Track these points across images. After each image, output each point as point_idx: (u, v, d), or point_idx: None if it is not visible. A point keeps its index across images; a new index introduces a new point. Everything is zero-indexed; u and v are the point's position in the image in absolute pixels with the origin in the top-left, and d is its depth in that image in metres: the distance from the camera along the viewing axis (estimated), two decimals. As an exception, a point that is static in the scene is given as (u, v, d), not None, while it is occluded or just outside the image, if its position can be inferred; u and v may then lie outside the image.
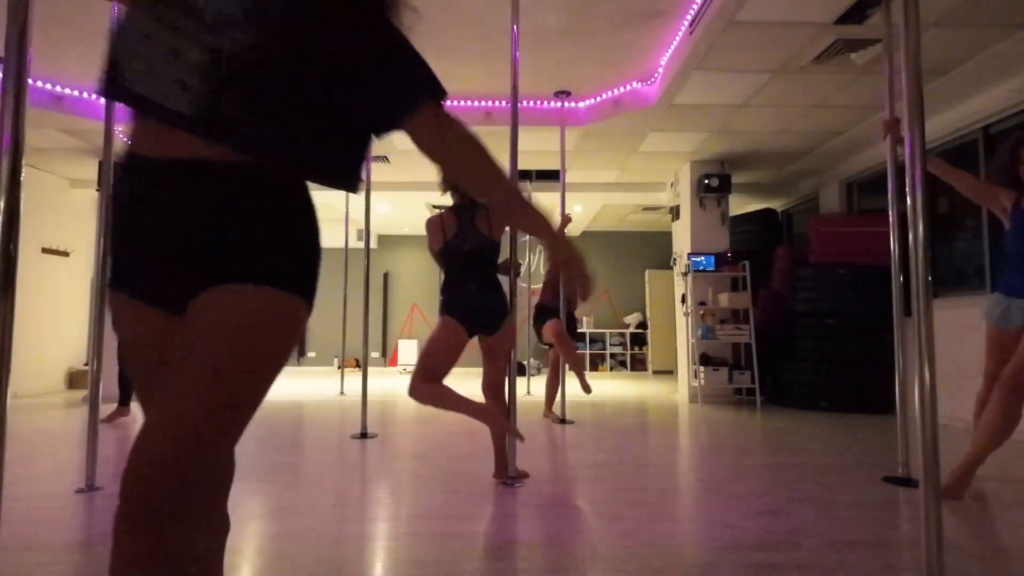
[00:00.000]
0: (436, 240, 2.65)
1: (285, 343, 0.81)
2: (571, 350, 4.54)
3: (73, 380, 6.92)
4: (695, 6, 3.50)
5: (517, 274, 2.92)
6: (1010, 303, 2.55)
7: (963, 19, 3.30)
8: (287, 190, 0.84)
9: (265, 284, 0.79)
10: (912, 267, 1.55)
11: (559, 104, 4.90)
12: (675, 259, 6.69)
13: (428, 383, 2.47)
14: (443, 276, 2.70)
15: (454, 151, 0.91)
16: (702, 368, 5.86)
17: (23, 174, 1.49)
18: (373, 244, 10.57)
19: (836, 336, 5.26)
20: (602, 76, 4.54)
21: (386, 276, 10.64)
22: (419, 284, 10.65)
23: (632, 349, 9.88)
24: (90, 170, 6.26)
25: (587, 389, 4.55)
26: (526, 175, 6.59)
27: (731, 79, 4.13)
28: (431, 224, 2.69)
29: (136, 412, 4.75)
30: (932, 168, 2.61)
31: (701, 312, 6.05)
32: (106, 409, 4.72)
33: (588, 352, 9.51)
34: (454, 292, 2.61)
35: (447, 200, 2.73)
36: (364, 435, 3.86)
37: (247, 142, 0.78)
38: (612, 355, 9.80)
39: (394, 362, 10.41)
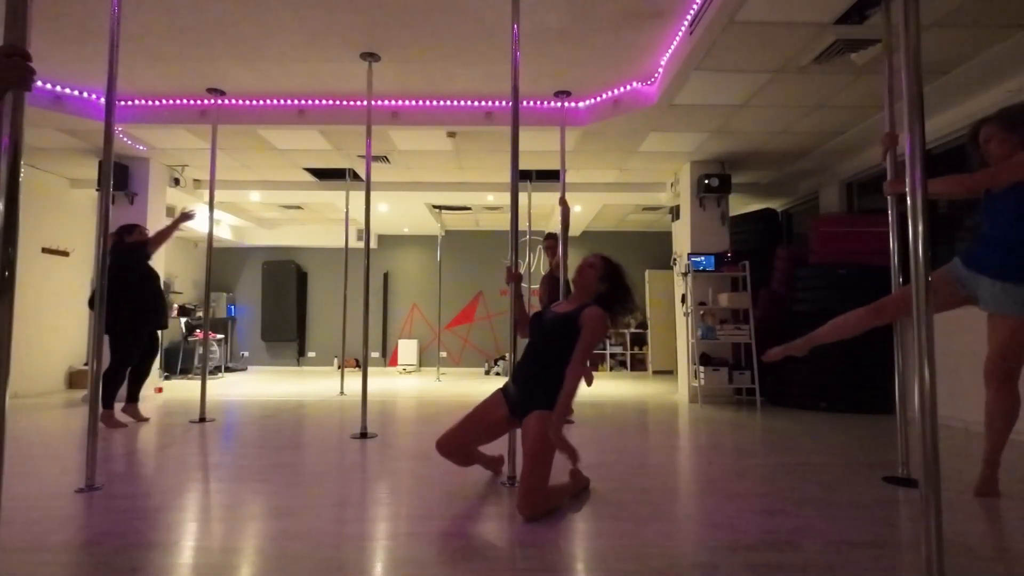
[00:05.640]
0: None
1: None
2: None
3: (73, 380, 6.92)
4: (695, 6, 3.50)
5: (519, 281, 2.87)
6: (979, 279, 2.47)
7: (963, 19, 3.30)
8: None
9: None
10: (912, 267, 1.55)
11: (559, 104, 4.90)
12: (675, 259, 6.69)
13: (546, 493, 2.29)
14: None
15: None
16: (702, 368, 5.86)
17: (22, 174, 1.50)
18: (373, 244, 10.57)
19: (836, 336, 5.26)
20: (602, 76, 4.54)
21: (386, 276, 10.65)
22: (419, 284, 10.65)
23: (632, 349, 9.88)
24: (90, 170, 6.27)
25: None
26: (526, 175, 6.58)
27: (731, 79, 4.13)
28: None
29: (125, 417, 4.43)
30: (932, 195, 2.55)
31: (701, 312, 6.05)
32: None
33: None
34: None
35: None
36: (364, 435, 3.87)
37: None
38: (612, 355, 9.79)
39: (394, 362, 10.41)
